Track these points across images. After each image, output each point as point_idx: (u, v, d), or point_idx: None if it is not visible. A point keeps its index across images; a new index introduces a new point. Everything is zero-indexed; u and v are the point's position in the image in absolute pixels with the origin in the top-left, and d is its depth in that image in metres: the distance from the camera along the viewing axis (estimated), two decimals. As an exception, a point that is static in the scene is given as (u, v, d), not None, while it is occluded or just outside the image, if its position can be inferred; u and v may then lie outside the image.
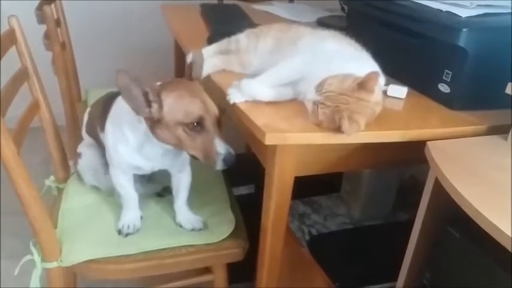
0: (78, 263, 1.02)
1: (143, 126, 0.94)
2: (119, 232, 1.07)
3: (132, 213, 1.09)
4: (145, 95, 0.88)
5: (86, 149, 1.20)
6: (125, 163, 1.04)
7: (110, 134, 1.03)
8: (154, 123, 0.91)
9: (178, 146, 0.93)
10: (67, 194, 1.21)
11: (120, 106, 0.99)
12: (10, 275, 1.12)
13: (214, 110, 0.93)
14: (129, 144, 1.00)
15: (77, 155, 1.22)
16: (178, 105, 0.89)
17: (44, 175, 1.27)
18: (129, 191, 1.10)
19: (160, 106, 0.89)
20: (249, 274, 1.14)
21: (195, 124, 0.90)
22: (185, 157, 1.09)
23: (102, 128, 1.06)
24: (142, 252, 1.04)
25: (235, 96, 0.91)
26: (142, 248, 1.04)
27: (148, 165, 1.06)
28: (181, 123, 0.90)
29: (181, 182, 1.12)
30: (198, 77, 0.99)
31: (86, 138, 1.24)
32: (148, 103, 0.88)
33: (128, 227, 1.07)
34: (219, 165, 0.92)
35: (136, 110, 0.89)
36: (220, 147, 0.90)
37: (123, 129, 0.99)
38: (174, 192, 1.13)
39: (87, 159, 1.19)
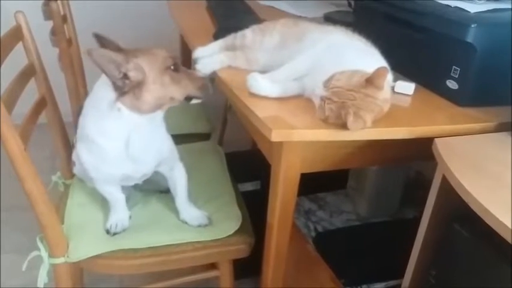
0: (85, 258, 1.02)
1: (125, 111, 0.92)
2: (107, 232, 1.07)
3: (120, 215, 1.09)
4: (118, 67, 0.88)
5: (76, 159, 1.19)
6: (112, 178, 1.03)
7: (87, 157, 1.01)
8: (139, 91, 0.90)
9: (173, 96, 0.95)
10: (73, 190, 1.21)
11: (89, 118, 0.98)
12: (17, 269, 1.12)
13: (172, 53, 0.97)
14: (113, 152, 0.97)
15: (72, 162, 1.21)
16: (153, 58, 0.92)
17: (51, 170, 1.27)
18: (116, 196, 1.09)
19: (138, 68, 0.89)
20: (255, 270, 1.15)
21: (173, 67, 0.94)
22: (172, 149, 1.09)
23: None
24: (149, 248, 1.04)
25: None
26: (149, 244, 1.05)
27: (138, 171, 1.04)
28: (165, 70, 0.93)
29: (177, 181, 1.12)
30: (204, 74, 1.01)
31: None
32: (124, 75, 0.89)
33: (116, 226, 1.07)
34: (210, 87, 0.98)
35: (121, 86, 0.89)
36: (199, 73, 1.00)
37: (105, 129, 0.96)
38: (172, 191, 1.13)
39: (80, 168, 1.18)
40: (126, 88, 0.89)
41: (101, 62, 0.85)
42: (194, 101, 0.99)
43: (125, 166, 1.01)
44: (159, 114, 0.98)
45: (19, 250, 1.66)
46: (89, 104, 0.99)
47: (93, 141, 0.97)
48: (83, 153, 1.01)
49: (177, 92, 0.95)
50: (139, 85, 0.90)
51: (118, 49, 0.93)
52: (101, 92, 0.94)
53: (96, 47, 0.88)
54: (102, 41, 0.94)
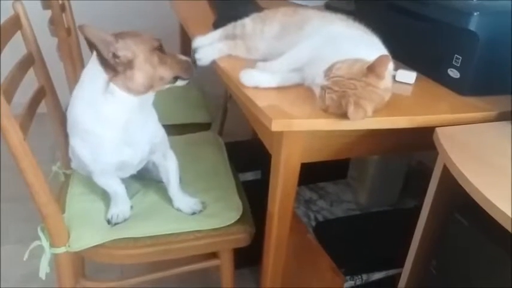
0: (86, 248, 1.02)
1: (118, 93, 0.93)
2: (108, 222, 1.07)
3: (120, 206, 1.09)
4: (107, 46, 0.90)
5: (73, 153, 1.19)
6: (110, 166, 1.03)
7: (82, 149, 1.01)
8: (130, 71, 0.92)
9: (162, 76, 0.97)
10: (74, 180, 1.21)
11: (81, 109, 0.97)
12: (18, 259, 1.13)
13: None
14: (110, 138, 0.97)
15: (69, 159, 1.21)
16: (141, 39, 0.94)
17: (51, 160, 1.27)
18: (116, 188, 1.09)
19: (127, 48, 0.91)
20: (255, 259, 1.15)
21: (159, 48, 0.96)
22: (164, 135, 1.10)
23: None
24: (150, 237, 1.05)
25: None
26: (150, 233, 1.05)
27: (134, 157, 1.04)
28: (153, 50, 0.95)
29: (169, 169, 1.12)
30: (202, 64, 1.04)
31: None
32: (114, 55, 0.90)
33: (117, 216, 1.07)
34: (194, 70, 1.02)
35: (113, 65, 0.91)
36: (182, 56, 1.02)
37: (100, 115, 0.95)
38: (164, 180, 1.13)
39: (77, 163, 1.18)
40: (117, 67, 0.91)
41: (93, 39, 0.88)
42: (179, 83, 1.01)
43: (122, 152, 1.01)
44: (150, 97, 1.00)
45: (20, 240, 1.67)
46: (78, 95, 0.98)
47: (88, 131, 0.97)
48: (78, 148, 1.01)
49: (165, 72, 0.97)
50: (130, 65, 0.92)
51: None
52: (91, 79, 0.95)
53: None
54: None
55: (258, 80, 0.90)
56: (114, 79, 0.92)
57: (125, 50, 0.91)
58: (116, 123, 0.96)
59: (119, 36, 0.92)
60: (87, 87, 0.96)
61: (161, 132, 1.09)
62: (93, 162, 1.02)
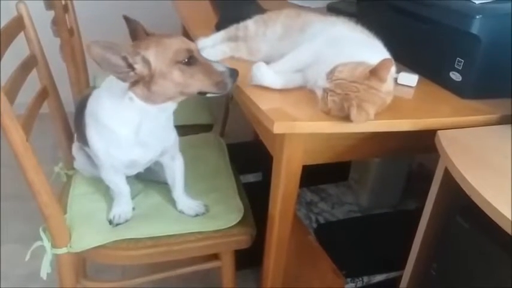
0: (87, 248, 1.03)
1: (136, 100, 0.91)
2: (110, 222, 1.07)
3: (123, 206, 1.09)
4: (125, 59, 0.86)
5: (76, 152, 1.19)
6: (120, 163, 1.03)
7: (98, 140, 1.00)
8: (148, 83, 0.89)
9: (183, 90, 0.92)
10: (76, 181, 1.22)
11: (102, 101, 0.97)
12: (20, 259, 1.13)
13: (192, 42, 0.93)
14: (125, 136, 0.97)
15: (72, 157, 1.21)
16: (163, 50, 0.88)
17: (53, 160, 1.27)
18: (122, 188, 1.09)
19: (145, 61, 0.87)
20: (256, 261, 1.15)
21: (187, 60, 0.89)
22: (176, 138, 1.09)
23: (81, 138, 1.06)
24: (151, 238, 1.05)
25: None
26: (151, 234, 1.05)
27: (145, 157, 1.04)
28: (174, 65, 0.89)
29: (176, 171, 1.12)
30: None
31: (76, 141, 1.20)
32: (130, 66, 0.87)
33: (119, 217, 1.07)
34: (229, 83, 0.91)
35: (123, 78, 0.87)
36: (220, 67, 0.91)
37: (119, 114, 0.95)
38: (170, 182, 1.13)
39: (80, 163, 1.18)
40: (128, 80, 0.88)
41: (99, 59, 0.83)
42: (210, 94, 0.94)
43: (134, 151, 1.01)
44: (172, 105, 0.96)
45: (22, 240, 1.67)
46: (104, 87, 0.98)
47: (104, 125, 0.97)
48: (93, 139, 1.00)
49: (187, 86, 0.91)
50: (148, 77, 0.88)
51: (144, 32, 0.94)
52: (116, 79, 0.92)
53: (98, 38, 0.86)
54: (131, 24, 0.95)
55: (266, 78, 0.90)
56: (133, 88, 0.90)
57: (142, 63, 0.87)
58: (129, 125, 0.96)
59: (143, 44, 0.89)
60: (111, 84, 0.94)
61: (174, 135, 1.08)
62: (105, 156, 1.01)
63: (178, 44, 0.90)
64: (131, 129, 0.96)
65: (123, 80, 0.88)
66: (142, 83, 0.89)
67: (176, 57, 0.89)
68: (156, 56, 0.88)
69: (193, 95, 0.94)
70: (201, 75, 0.91)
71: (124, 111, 0.94)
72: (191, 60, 0.90)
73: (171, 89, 0.91)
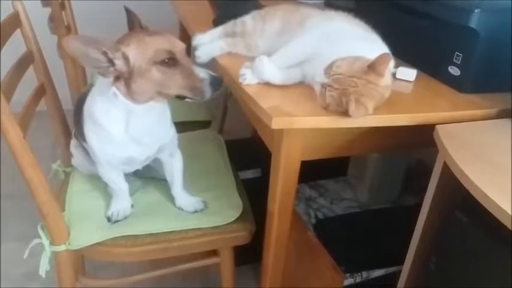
0: (86, 246, 1.02)
1: (119, 96, 0.91)
2: (108, 219, 1.07)
3: (122, 203, 1.09)
4: (105, 54, 0.85)
5: (74, 150, 1.18)
6: (116, 160, 1.02)
7: (94, 137, 1.00)
8: (127, 80, 0.88)
9: (160, 91, 0.90)
10: (74, 178, 1.21)
11: (96, 97, 0.96)
12: (18, 257, 1.13)
13: (179, 42, 0.91)
14: (116, 133, 0.96)
15: (70, 154, 1.21)
16: (142, 48, 0.86)
17: (51, 158, 1.27)
18: (120, 184, 1.09)
19: (125, 58, 0.86)
20: (255, 257, 1.15)
21: (167, 61, 0.87)
22: (174, 136, 1.08)
23: (80, 134, 1.05)
24: (150, 235, 1.05)
25: (248, 77, 0.90)
26: (150, 231, 1.05)
27: (142, 153, 1.03)
28: (153, 64, 0.87)
29: (175, 168, 1.12)
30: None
31: (74, 138, 1.20)
32: (111, 61, 0.86)
33: (118, 214, 1.07)
34: (208, 92, 0.89)
35: (103, 73, 0.86)
36: (202, 73, 0.88)
37: (109, 111, 0.94)
38: (169, 179, 1.13)
39: (79, 160, 1.18)
40: (107, 75, 0.87)
41: (78, 54, 0.82)
42: (188, 99, 0.92)
43: (129, 148, 1.00)
44: (158, 105, 0.95)
45: (20, 238, 1.67)
46: (97, 85, 0.98)
47: (97, 122, 0.97)
48: (90, 135, 1.00)
49: (165, 88, 0.89)
50: (127, 74, 0.88)
51: (139, 25, 0.94)
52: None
53: (95, 35, 0.85)
54: (129, 15, 0.95)
55: (268, 72, 0.89)
56: (115, 84, 0.90)
57: (122, 59, 0.86)
58: (118, 121, 0.95)
59: (126, 40, 0.88)
60: (103, 81, 0.94)
61: (171, 132, 1.08)
62: (101, 152, 1.01)
63: (160, 43, 0.88)
64: (120, 126, 0.96)
65: (103, 74, 0.87)
66: (123, 79, 0.89)
67: (156, 57, 0.87)
68: (135, 54, 0.86)
69: (172, 98, 0.92)
70: (179, 78, 0.89)
71: (111, 108, 0.94)
72: (171, 61, 0.88)
73: (149, 88, 0.89)
